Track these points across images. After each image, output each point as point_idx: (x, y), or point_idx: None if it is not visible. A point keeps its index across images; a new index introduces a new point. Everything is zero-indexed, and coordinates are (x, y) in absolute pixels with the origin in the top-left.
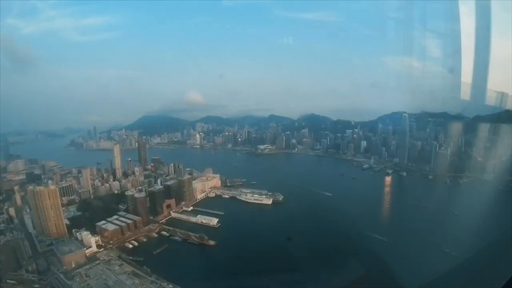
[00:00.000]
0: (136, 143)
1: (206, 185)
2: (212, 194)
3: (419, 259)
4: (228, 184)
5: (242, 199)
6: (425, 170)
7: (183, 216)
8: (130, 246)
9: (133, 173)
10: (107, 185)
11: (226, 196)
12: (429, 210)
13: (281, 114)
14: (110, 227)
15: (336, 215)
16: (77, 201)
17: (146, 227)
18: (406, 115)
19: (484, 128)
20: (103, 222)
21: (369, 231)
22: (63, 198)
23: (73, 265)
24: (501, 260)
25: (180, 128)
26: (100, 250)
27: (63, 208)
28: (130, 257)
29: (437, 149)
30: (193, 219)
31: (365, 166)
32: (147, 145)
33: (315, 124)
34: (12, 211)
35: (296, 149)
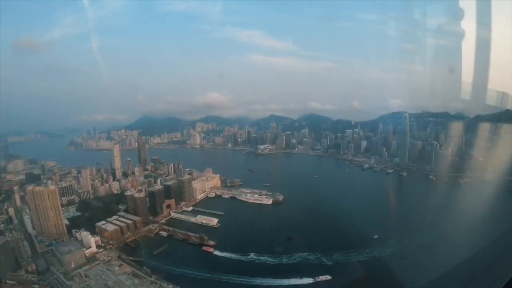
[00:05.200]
0: (136, 143)
1: (206, 185)
2: (212, 194)
3: None
4: (228, 184)
5: (242, 199)
6: (426, 170)
7: (183, 216)
8: (130, 246)
9: (133, 173)
10: (106, 185)
11: (226, 196)
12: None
13: (281, 114)
14: (110, 227)
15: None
16: (77, 201)
17: (146, 227)
18: (407, 115)
19: (484, 128)
20: (103, 222)
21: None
22: (62, 198)
23: (73, 266)
24: (501, 260)
25: (180, 128)
26: (100, 250)
27: (63, 208)
28: (130, 258)
29: (438, 149)
30: (193, 219)
31: (366, 166)
32: (147, 145)
33: (315, 124)
34: (11, 211)
35: (296, 149)
